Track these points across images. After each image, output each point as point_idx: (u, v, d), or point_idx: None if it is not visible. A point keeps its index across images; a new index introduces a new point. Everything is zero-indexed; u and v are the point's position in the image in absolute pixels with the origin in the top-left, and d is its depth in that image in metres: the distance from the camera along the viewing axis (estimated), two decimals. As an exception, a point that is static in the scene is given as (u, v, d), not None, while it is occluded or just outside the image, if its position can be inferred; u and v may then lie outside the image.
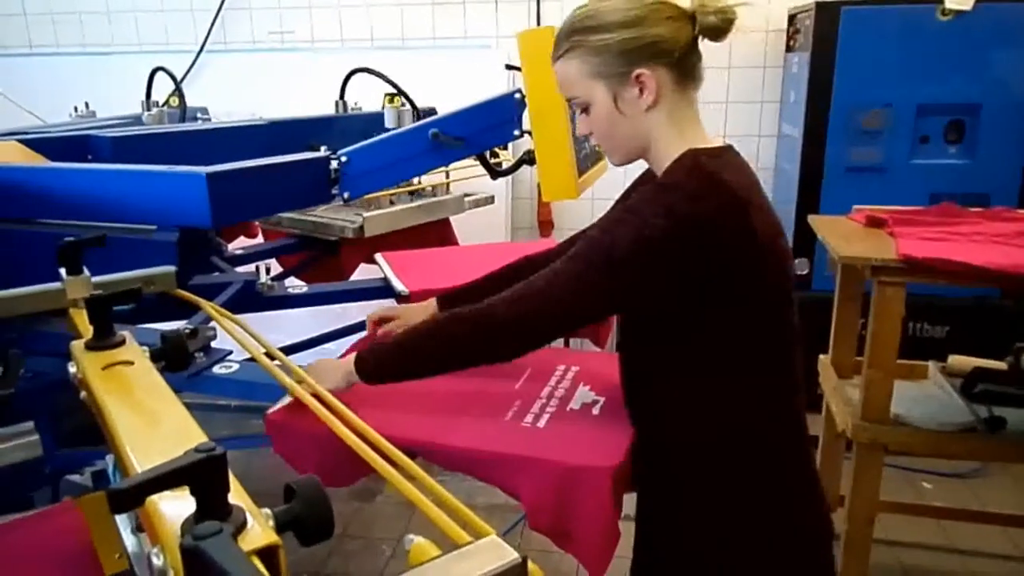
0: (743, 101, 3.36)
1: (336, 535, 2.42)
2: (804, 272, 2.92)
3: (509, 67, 1.42)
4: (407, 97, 1.99)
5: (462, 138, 1.48)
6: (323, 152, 1.53)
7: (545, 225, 3.58)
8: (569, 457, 1.03)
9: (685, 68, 0.98)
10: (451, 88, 2.60)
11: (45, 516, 0.92)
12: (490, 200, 2.49)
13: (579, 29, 0.98)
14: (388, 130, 1.93)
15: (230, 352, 1.26)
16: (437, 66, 3.40)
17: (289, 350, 1.86)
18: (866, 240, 1.88)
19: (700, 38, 0.98)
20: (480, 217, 2.60)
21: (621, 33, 0.95)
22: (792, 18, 3.13)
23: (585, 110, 1.02)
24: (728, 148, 1.02)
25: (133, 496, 0.44)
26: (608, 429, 1.10)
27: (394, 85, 1.98)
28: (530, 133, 1.41)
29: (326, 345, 1.97)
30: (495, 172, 1.71)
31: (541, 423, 1.13)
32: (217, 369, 1.22)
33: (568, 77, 1.01)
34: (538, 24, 3.36)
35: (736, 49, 3.31)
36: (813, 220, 2.12)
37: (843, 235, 1.94)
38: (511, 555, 0.47)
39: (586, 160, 1.50)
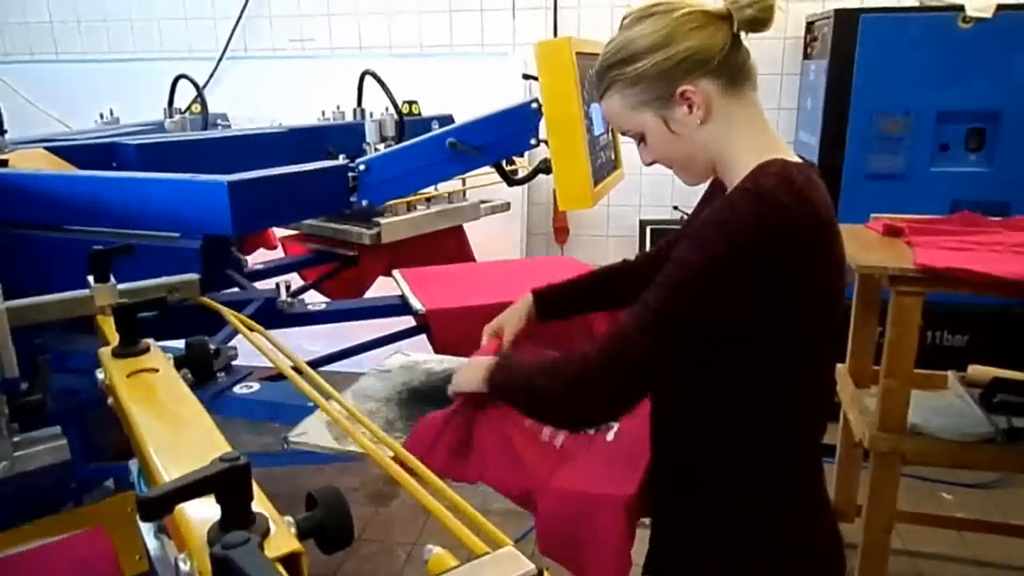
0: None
1: (353, 541, 2.44)
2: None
3: (527, 76, 1.44)
4: (395, 104, 2.00)
5: (479, 147, 1.49)
6: (342, 160, 1.55)
7: (560, 232, 3.59)
8: (582, 485, 1.01)
9: (731, 71, 0.94)
10: (468, 96, 2.62)
11: (74, 541, 0.94)
12: (506, 207, 2.51)
13: (612, 64, 0.96)
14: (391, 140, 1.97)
15: (251, 372, 1.28)
16: (454, 74, 3.43)
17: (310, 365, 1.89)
18: (884, 249, 1.88)
19: (743, 34, 0.94)
20: (496, 223, 2.61)
21: (652, 57, 0.92)
22: (810, 25, 3.12)
23: (642, 140, 0.99)
24: (812, 166, 0.96)
25: (163, 505, 0.46)
26: (622, 457, 1.09)
27: (387, 92, 2.00)
28: (547, 142, 1.42)
29: (342, 362, 1.98)
30: (511, 180, 1.72)
31: (558, 442, 1.12)
32: (238, 389, 1.24)
33: (614, 113, 0.99)
34: (555, 33, 3.38)
35: (754, 56, 3.29)
36: (830, 228, 2.11)
37: (861, 244, 1.94)
38: (527, 566, 0.48)
39: (602, 169, 1.51)
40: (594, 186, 1.40)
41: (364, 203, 1.50)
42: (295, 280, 2.16)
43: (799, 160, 0.95)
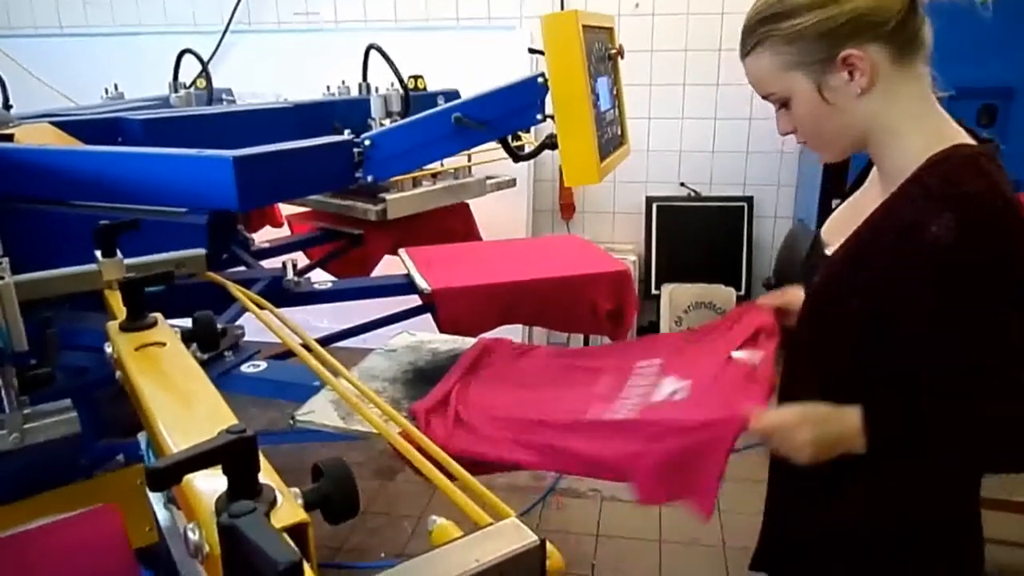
0: (769, 83, 3.33)
1: (359, 512, 2.47)
2: (828, 257, 2.90)
3: (532, 51, 1.42)
4: (400, 79, 1.99)
5: (485, 122, 1.48)
6: (347, 136, 1.54)
7: (567, 208, 3.58)
8: (694, 415, 0.93)
9: (904, 39, 0.83)
10: (475, 70, 2.60)
11: (83, 518, 0.95)
12: (512, 183, 2.50)
13: (766, 18, 0.86)
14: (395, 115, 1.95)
15: (258, 351, 1.28)
16: (461, 47, 3.40)
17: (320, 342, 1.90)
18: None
19: None
20: (502, 200, 2.61)
21: (816, 14, 0.82)
22: None
23: (784, 105, 0.90)
24: (996, 147, 0.85)
25: (171, 475, 0.47)
26: (709, 399, 0.99)
27: (392, 66, 1.98)
28: (553, 117, 1.41)
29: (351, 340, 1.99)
30: (517, 156, 1.71)
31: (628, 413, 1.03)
32: (246, 368, 1.24)
33: (760, 73, 0.89)
34: (561, 6, 3.34)
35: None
36: (837, 205, 2.11)
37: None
38: (530, 537, 0.49)
39: (608, 144, 1.50)
40: (600, 161, 1.39)
41: (370, 179, 1.49)
42: (301, 259, 2.17)
43: (975, 142, 0.85)
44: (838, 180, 2.84)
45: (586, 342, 3.06)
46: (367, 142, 1.50)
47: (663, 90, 3.41)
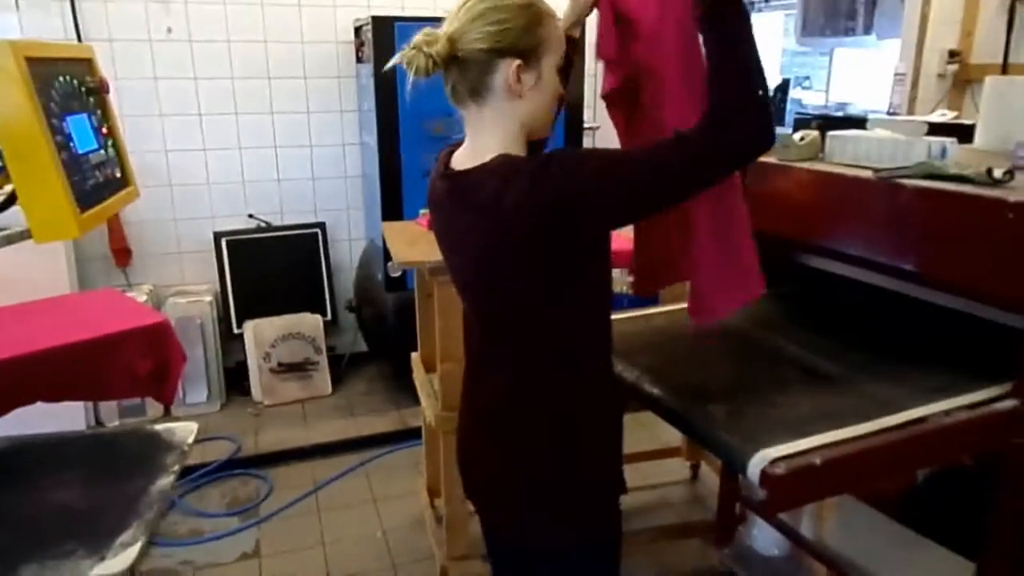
0: (323, 111, 3.39)
1: None
2: (397, 274, 3.06)
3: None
4: None
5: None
6: None
7: (120, 254, 3.17)
8: None
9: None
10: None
11: None
12: (23, 235, 2.09)
13: None
14: None
15: None
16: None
17: None
18: (428, 243, 2.02)
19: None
20: (34, 253, 2.18)
21: None
22: (358, 30, 3.23)
23: None
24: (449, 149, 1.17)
25: None
26: None
27: None
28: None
29: None
30: (-19, 211, 1.42)
31: None
32: None
33: None
34: (77, 32, 2.93)
35: (309, 60, 3.31)
36: (384, 227, 2.22)
37: (408, 239, 2.07)
38: None
39: (100, 190, 1.33)
40: (83, 211, 1.22)
41: None
42: None
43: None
44: (393, 200, 3.02)
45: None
46: None
47: (215, 120, 3.24)
